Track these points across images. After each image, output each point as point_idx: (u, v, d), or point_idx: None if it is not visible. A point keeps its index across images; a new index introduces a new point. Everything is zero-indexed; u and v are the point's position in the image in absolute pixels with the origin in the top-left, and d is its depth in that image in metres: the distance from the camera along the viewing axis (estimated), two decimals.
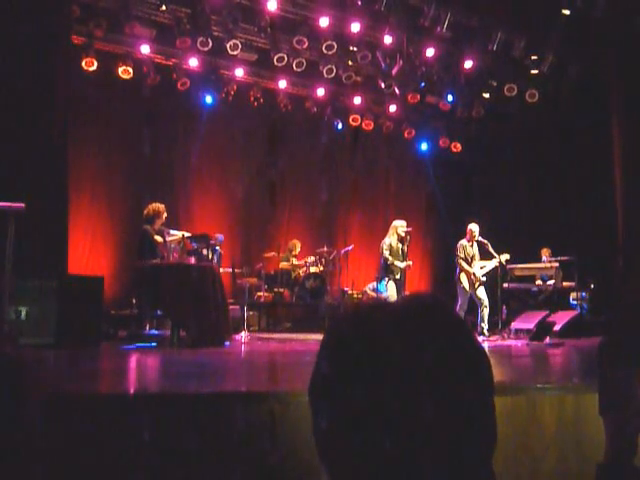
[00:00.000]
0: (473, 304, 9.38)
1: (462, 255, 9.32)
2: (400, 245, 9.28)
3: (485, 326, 9.07)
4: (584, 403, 3.16)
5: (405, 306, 0.91)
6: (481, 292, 9.21)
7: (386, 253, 9.22)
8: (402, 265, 9.19)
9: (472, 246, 9.43)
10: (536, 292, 10.98)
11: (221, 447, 2.51)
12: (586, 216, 11.06)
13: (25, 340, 5.56)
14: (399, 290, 9.20)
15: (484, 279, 9.35)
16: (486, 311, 9.13)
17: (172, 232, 8.02)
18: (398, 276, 9.23)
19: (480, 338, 8.50)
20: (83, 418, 2.42)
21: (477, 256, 9.45)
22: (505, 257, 9.36)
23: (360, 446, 0.81)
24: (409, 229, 9.29)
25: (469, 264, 9.30)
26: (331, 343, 0.89)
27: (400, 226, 9.33)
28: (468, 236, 9.44)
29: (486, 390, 0.87)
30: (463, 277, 9.28)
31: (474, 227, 9.42)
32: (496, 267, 9.41)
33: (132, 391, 2.95)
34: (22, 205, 4.75)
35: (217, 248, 9.78)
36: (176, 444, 2.48)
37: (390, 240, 9.30)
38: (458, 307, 9.08)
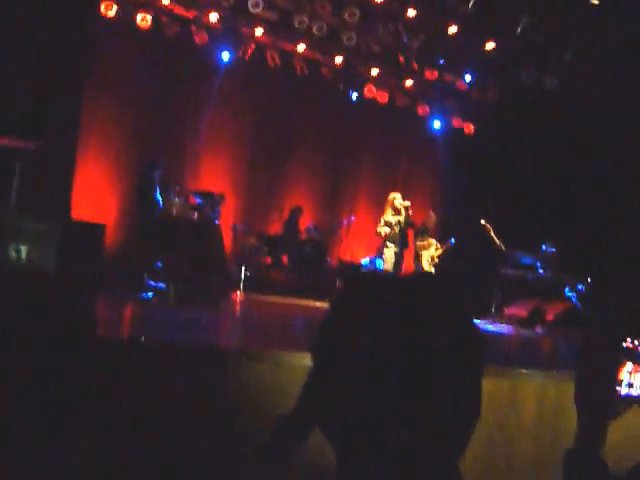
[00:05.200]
0: None
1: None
2: (397, 218, 9.17)
3: None
4: (565, 392, 3.22)
5: (411, 280, 0.96)
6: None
7: (379, 228, 9.16)
8: (393, 249, 9.19)
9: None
10: (533, 280, 11.04)
11: (211, 401, 2.57)
12: (592, 208, 11.04)
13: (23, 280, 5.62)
14: (396, 262, 9.17)
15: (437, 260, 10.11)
16: None
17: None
18: (395, 249, 9.19)
19: None
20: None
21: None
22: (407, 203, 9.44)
23: (352, 400, 0.86)
24: (407, 203, 9.15)
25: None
26: (340, 301, 0.95)
27: (393, 198, 9.23)
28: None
29: (476, 365, 0.91)
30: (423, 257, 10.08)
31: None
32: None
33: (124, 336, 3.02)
34: (32, 144, 4.76)
35: (218, 206, 9.82)
36: (162, 395, 2.54)
37: (385, 216, 9.20)
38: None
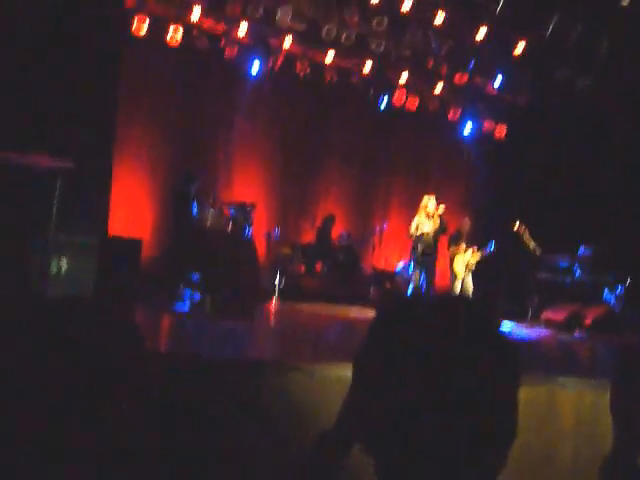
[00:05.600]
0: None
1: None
2: (430, 222, 9.22)
3: None
4: (603, 400, 3.18)
5: (443, 305, 1.00)
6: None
7: (411, 230, 9.25)
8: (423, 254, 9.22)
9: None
10: (570, 284, 10.87)
11: (245, 414, 2.62)
12: (628, 210, 10.85)
13: (64, 293, 5.77)
14: (429, 268, 9.19)
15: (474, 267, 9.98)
16: None
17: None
18: (426, 254, 9.21)
19: None
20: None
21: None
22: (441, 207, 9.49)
23: (391, 420, 0.90)
24: (442, 207, 9.22)
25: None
26: (377, 331, 0.99)
27: (427, 203, 9.29)
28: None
29: (511, 387, 0.95)
30: (456, 263, 9.94)
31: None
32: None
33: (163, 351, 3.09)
34: (71, 163, 4.90)
35: (250, 216, 9.91)
36: (199, 407, 2.60)
37: (418, 217, 9.28)
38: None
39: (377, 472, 0.96)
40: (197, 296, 7.87)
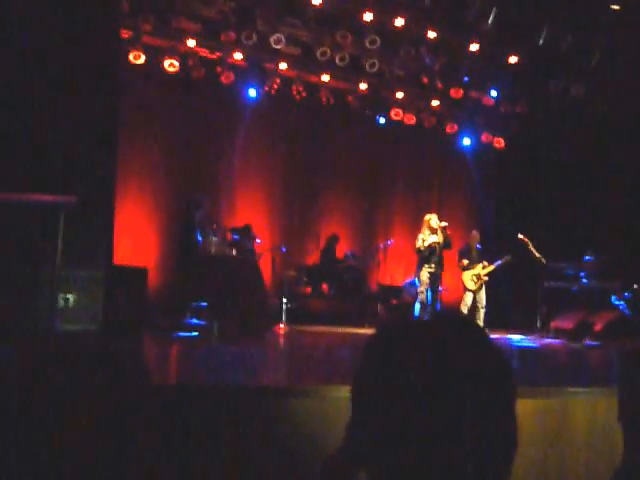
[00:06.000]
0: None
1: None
2: (433, 238, 9.30)
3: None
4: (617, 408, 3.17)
5: (435, 324, 1.01)
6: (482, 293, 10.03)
7: (418, 243, 9.33)
8: (428, 269, 9.29)
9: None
10: (577, 291, 10.84)
11: (259, 440, 2.62)
12: (632, 215, 10.85)
13: (71, 326, 5.79)
14: (433, 283, 9.24)
15: (486, 279, 10.11)
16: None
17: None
18: (432, 269, 9.26)
19: None
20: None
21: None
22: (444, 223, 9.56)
23: (391, 441, 0.91)
24: (444, 224, 9.31)
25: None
26: (371, 355, 1.00)
27: (429, 219, 9.39)
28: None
29: (507, 400, 0.96)
30: (466, 276, 10.08)
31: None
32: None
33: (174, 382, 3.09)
34: (73, 198, 4.94)
35: (257, 241, 9.96)
36: (211, 435, 2.60)
37: (422, 234, 9.36)
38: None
39: None
40: (203, 322, 7.88)
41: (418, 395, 0.90)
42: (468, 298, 10.05)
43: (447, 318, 1.03)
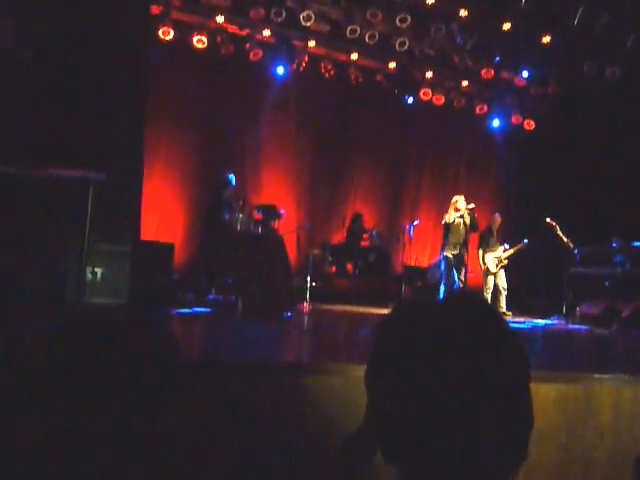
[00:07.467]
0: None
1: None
2: (460, 220, 9.25)
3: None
4: None
5: (449, 304, 1.01)
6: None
7: (446, 219, 9.32)
8: (452, 251, 9.27)
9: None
10: (605, 277, 10.69)
11: (277, 417, 2.65)
12: None
13: (99, 299, 5.90)
14: (458, 265, 9.21)
15: (506, 262, 10.07)
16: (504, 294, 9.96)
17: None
18: (456, 251, 9.22)
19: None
20: None
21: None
22: (471, 205, 9.47)
23: (406, 420, 0.92)
24: (471, 206, 9.23)
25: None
26: (384, 336, 1.00)
27: (457, 201, 9.33)
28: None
29: (522, 380, 0.96)
30: (488, 258, 10.09)
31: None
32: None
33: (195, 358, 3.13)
34: (103, 175, 5.00)
35: (281, 212, 9.95)
36: (231, 413, 2.63)
37: (448, 216, 9.31)
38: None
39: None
40: (229, 299, 7.95)
41: (430, 375, 0.90)
42: (490, 282, 10.02)
43: (459, 298, 1.02)
